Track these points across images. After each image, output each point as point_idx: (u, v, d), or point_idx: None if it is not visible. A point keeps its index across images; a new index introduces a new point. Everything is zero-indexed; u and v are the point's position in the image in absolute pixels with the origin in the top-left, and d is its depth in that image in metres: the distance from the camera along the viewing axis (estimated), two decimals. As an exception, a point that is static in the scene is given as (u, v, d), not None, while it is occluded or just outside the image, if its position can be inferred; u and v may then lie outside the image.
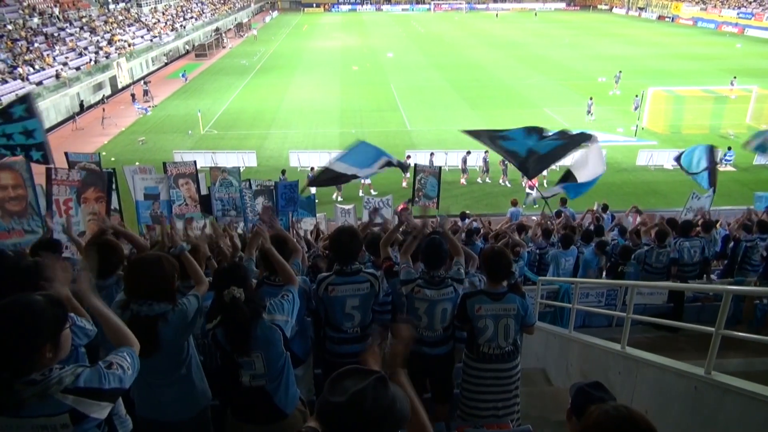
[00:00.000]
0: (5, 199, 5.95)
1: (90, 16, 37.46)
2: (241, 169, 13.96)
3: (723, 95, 26.36)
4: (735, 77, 26.73)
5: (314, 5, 77.46)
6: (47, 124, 17.04)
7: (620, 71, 28.88)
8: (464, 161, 17.52)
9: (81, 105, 26.91)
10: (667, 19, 61.66)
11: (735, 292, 3.94)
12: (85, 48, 31.88)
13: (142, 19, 43.39)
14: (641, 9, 68.49)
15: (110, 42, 34.60)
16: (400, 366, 1.65)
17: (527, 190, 15.98)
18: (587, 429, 1.63)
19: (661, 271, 6.73)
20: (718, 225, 8.30)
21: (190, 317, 2.58)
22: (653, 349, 4.15)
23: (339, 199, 15.91)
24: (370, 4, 79.08)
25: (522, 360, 3.49)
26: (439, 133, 22.26)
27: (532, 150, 8.82)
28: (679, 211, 10.47)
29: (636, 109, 22.74)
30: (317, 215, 12.01)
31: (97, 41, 33.70)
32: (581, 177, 8.61)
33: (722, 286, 4.15)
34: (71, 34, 32.53)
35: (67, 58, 28.96)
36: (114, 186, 9.06)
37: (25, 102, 7.36)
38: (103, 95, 29.25)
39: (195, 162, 9.88)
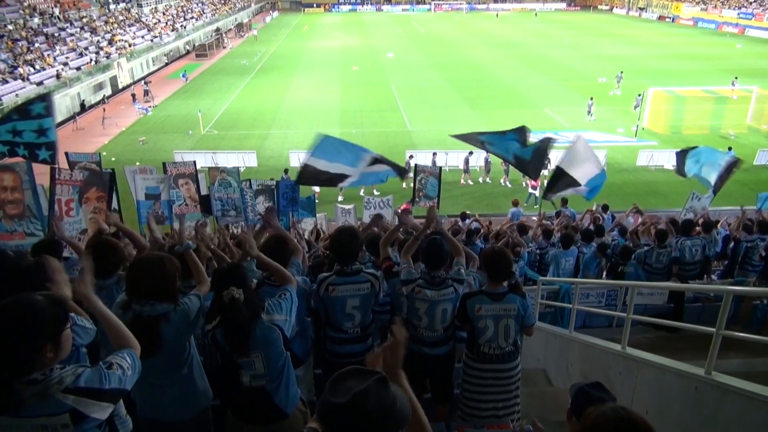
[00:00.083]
0: (5, 201, 5.95)
1: (90, 16, 37.49)
2: (242, 169, 13.99)
3: (723, 95, 26.36)
4: (736, 78, 26.71)
5: (314, 5, 77.48)
6: (48, 124, 16.87)
7: (622, 71, 28.88)
8: (466, 161, 17.52)
9: (82, 105, 26.93)
10: (667, 20, 61.65)
11: (736, 292, 3.94)
12: (86, 48, 31.90)
13: (143, 20, 43.42)
14: (642, 9, 68.48)
15: (111, 42, 34.62)
16: (399, 367, 1.65)
17: (530, 190, 15.99)
18: (585, 430, 1.64)
19: (661, 271, 6.73)
20: (718, 225, 8.29)
21: (192, 317, 2.59)
22: (653, 349, 4.15)
23: (340, 198, 15.92)
24: (371, 4, 79.10)
25: (522, 360, 3.49)
26: (439, 134, 22.23)
27: (517, 156, 8.86)
28: (679, 212, 10.48)
29: (637, 108, 22.72)
30: (317, 215, 12.02)
31: (98, 41, 33.72)
32: (578, 174, 8.53)
33: (723, 287, 4.15)
34: (72, 35, 32.56)
35: (67, 58, 28.98)
36: (114, 186, 9.07)
37: (45, 100, 7.30)
38: (104, 95, 29.27)
39: (194, 162, 9.88)
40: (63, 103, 25.25)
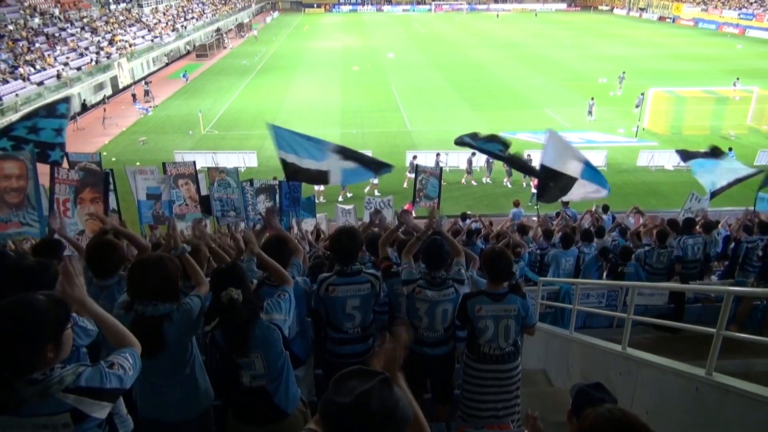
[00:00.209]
0: (6, 189, 5.96)
1: (91, 16, 37.51)
2: (242, 170, 13.99)
3: (724, 96, 26.35)
4: (738, 78, 26.68)
5: (315, 6, 77.49)
6: (48, 124, 16.90)
7: (624, 72, 28.89)
8: (469, 162, 17.50)
9: (84, 105, 26.94)
10: (667, 20, 61.65)
11: (736, 293, 3.94)
12: (86, 48, 31.91)
13: (143, 20, 43.43)
14: (642, 10, 68.47)
15: (111, 42, 34.63)
16: (397, 368, 1.65)
17: (533, 191, 15.97)
18: (584, 431, 1.64)
19: (661, 271, 6.74)
20: (719, 226, 8.29)
21: (194, 317, 2.59)
22: (654, 350, 4.15)
23: (340, 198, 15.97)
24: (371, 4, 79.11)
25: (523, 360, 3.49)
26: (439, 134, 22.24)
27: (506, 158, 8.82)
28: (678, 212, 10.47)
29: (638, 107, 22.70)
30: (318, 215, 12.03)
31: (98, 41, 33.73)
32: (570, 169, 8.37)
33: (723, 287, 4.15)
34: (72, 35, 32.57)
35: (68, 58, 28.99)
36: (112, 187, 9.08)
37: (68, 102, 7.60)
38: (104, 95, 29.29)
39: (194, 162, 9.89)
40: (63, 103, 25.24)
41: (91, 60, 30.40)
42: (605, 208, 10.93)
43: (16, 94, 22.74)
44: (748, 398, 3.05)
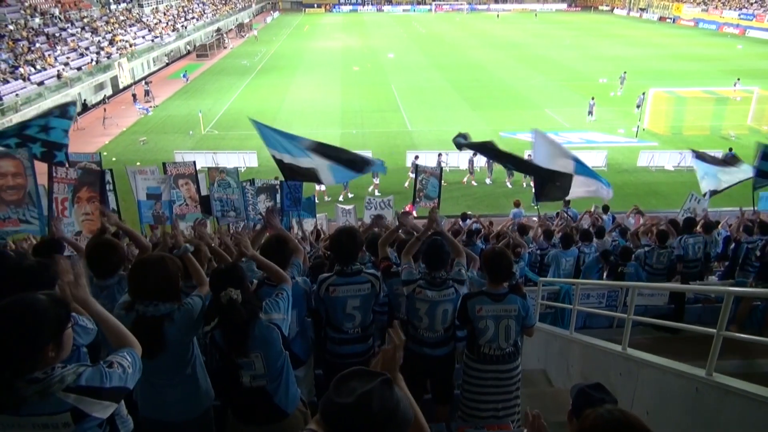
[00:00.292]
0: (2, 187, 5.97)
1: (91, 16, 37.52)
2: (242, 170, 14.00)
3: (724, 96, 26.34)
4: (738, 79, 26.67)
5: (315, 6, 77.51)
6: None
7: (625, 72, 28.89)
8: (471, 162, 17.49)
9: (84, 105, 26.95)
10: (668, 20, 61.64)
11: (737, 293, 3.94)
12: (87, 48, 31.92)
13: (144, 20, 43.45)
14: (642, 10, 68.46)
15: (111, 42, 34.64)
16: (396, 370, 1.65)
17: (534, 191, 15.93)
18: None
19: (661, 272, 6.74)
20: (719, 226, 8.29)
21: (196, 316, 2.60)
22: (654, 350, 4.14)
23: (341, 198, 16.01)
24: (371, 4, 79.12)
25: (523, 361, 3.49)
26: (440, 134, 22.23)
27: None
28: (678, 213, 10.47)
29: (639, 107, 22.68)
30: (318, 215, 12.03)
31: (99, 41, 33.74)
32: (560, 165, 8.30)
33: (724, 288, 4.15)
34: (73, 35, 32.58)
35: (68, 58, 29.00)
36: (111, 187, 9.09)
37: (74, 105, 7.90)
38: (105, 95, 29.30)
39: (194, 162, 9.91)
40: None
41: (92, 60, 30.41)
42: (605, 209, 10.93)
43: (16, 94, 22.74)
44: (749, 399, 3.05)
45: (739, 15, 54.12)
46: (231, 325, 2.44)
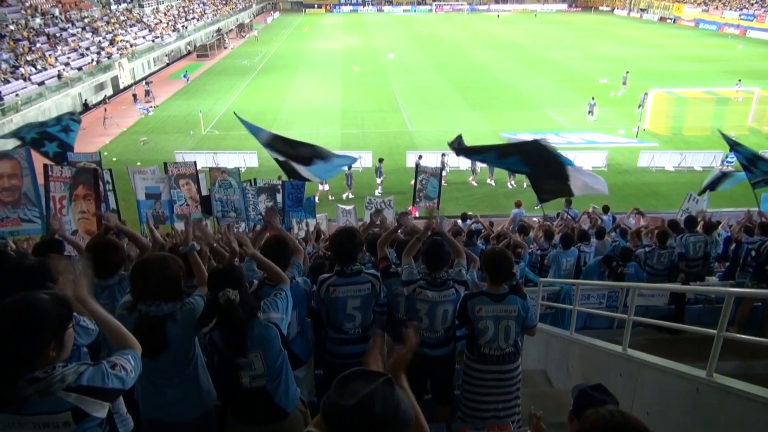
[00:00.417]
0: None
1: (92, 16, 37.53)
2: (243, 170, 14.01)
3: (725, 97, 26.34)
4: (740, 80, 26.66)
5: (316, 6, 77.52)
6: (49, 124, 16.96)
7: (627, 71, 28.88)
8: (473, 162, 17.45)
9: (85, 104, 26.96)
10: (668, 21, 61.63)
11: (737, 294, 3.94)
12: (87, 48, 31.93)
13: (144, 20, 43.46)
14: (643, 10, 68.44)
15: (112, 42, 34.66)
16: (402, 370, 1.65)
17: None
18: None
19: (662, 272, 6.74)
20: (719, 227, 8.29)
21: (198, 316, 2.60)
22: (654, 351, 4.14)
23: (343, 197, 16.06)
24: (372, 5, 79.10)
25: (523, 361, 3.49)
26: (440, 134, 22.23)
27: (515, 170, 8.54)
28: (677, 213, 10.47)
29: (641, 107, 22.67)
30: (318, 215, 12.04)
31: (99, 41, 33.76)
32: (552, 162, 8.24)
33: (724, 288, 4.14)
34: (73, 35, 32.59)
35: (69, 58, 29.01)
36: (111, 187, 9.11)
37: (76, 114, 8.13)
38: (105, 95, 29.30)
39: (195, 162, 9.91)
40: (64, 103, 25.29)
41: (92, 60, 30.42)
42: (605, 209, 10.94)
43: (17, 94, 22.76)
44: (749, 399, 3.04)
45: (739, 15, 54.11)
46: (229, 325, 2.44)
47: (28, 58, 26.40)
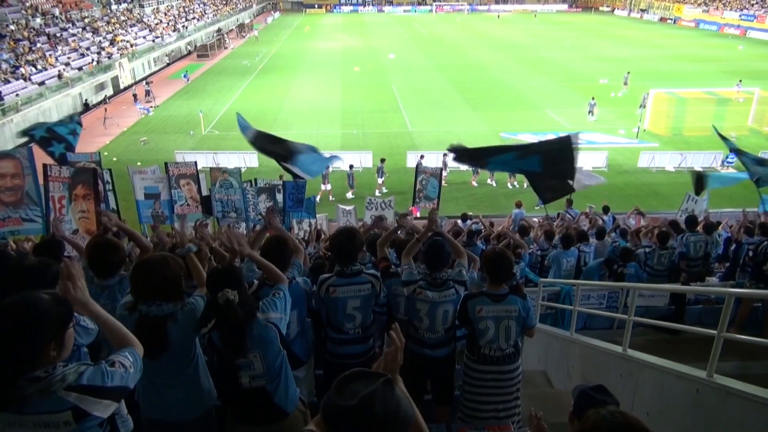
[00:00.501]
0: (1, 188, 6.00)
1: (92, 16, 37.55)
2: (243, 170, 14.02)
3: (725, 97, 26.33)
4: (741, 81, 26.64)
5: (316, 6, 77.53)
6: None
7: (628, 72, 28.88)
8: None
9: (85, 104, 26.97)
10: (669, 21, 61.63)
11: (738, 294, 3.94)
12: (88, 48, 31.94)
13: (144, 20, 43.48)
14: (643, 11, 68.45)
15: (112, 42, 34.67)
16: (397, 371, 1.65)
17: None
18: None
19: (662, 273, 6.74)
20: (720, 227, 8.29)
21: (198, 316, 2.60)
22: (655, 351, 4.14)
23: (349, 195, 16.09)
24: (372, 5, 79.12)
25: (523, 362, 3.49)
26: (440, 134, 22.25)
27: (527, 170, 8.39)
28: (676, 213, 10.47)
29: (643, 107, 22.66)
30: (318, 216, 12.04)
31: (100, 41, 33.77)
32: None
33: (725, 289, 4.14)
34: (74, 35, 32.60)
35: (69, 58, 29.02)
36: (111, 187, 9.12)
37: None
38: (105, 95, 29.31)
39: (196, 162, 9.92)
40: (65, 103, 25.30)
41: (93, 60, 30.43)
42: (605, 209, 10.93)
43: (17, 94, 22.76)
44: (749, 400, 3.04)
45: (740, 16, 54.11)
46: (228, 326, 2.44)
47: (29, 58, 26.41)
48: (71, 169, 6.95)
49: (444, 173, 15.19)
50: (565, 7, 77.33)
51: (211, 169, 10.17)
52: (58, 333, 1.79)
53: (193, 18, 52.54)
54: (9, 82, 23.41)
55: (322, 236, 9.33)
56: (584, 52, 41.53)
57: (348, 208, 12.49)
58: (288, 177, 10.14)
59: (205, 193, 9.76)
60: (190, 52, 44.45)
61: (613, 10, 74.88)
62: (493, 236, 8.04)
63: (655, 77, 30.64)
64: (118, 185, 10.08)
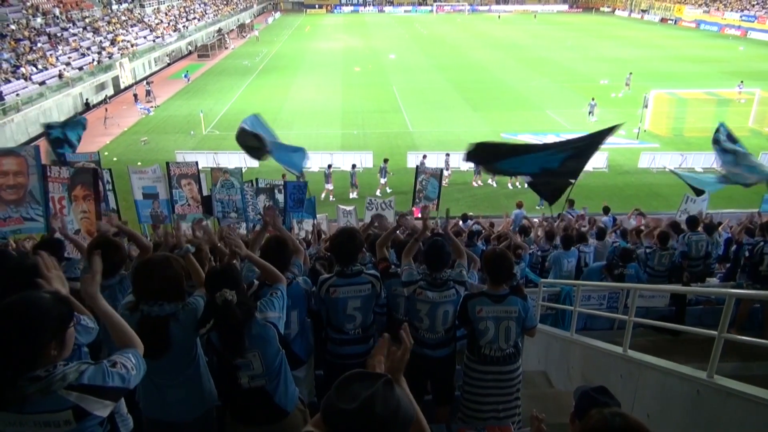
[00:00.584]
0: (3, 186, 5.98)
1: (93, 16, 37.57)
2: (244, 170, 14.04)
3: (726, 98, 26.31)
4: (742, 81, 26.62)
5: (317, 6, 77.55)
6: (50, 124, 16.99)
7: (630, 73, 28.87)
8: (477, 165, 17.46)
9: (86, 104, 26.98)
10: (669, 22, 61.61)
11: (738, 295, 3.94)
12: (88, 48, 31.96)
13: (145, 20, 43.50)
14: (644, 11, 68.43)
15: (113, 42, 34.69)
16: (402, 371, 1.65)
17: None
18: None
19: (662, 273, 6.73)
20: (720, 228, 8.29)
21: (199, 316, 2.60)
22: (655, 352, 4.14)
23: (352, 195, 16.10)
24: (373, 5, 79.14)
25: (523, 362, 3.48)
26: (441, 135, 22.27)
27: (545, 168, 8.26)
28: (675, 214, 10.47)
29: (645, 107, 22.65)
30: (318, 216, 12.04)
31: (100, 41, 33.79)
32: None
33: (725, 290, 4.14)
34: (74, 35, 32.62)
35: (70, 58, 29.04)
36: (111, 187, 9.12)
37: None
38: (106, 95, 29.33)
39: (197, 163, 9.92)
40: (65, 103, 25.32)
41: (93, 60, 30.45)
42: (606, 210, 10.93)
43: (17, 94, 22.78)
44: (750, 401, 3.04)
45: (740, 16, 54.10)
46: (226, 326, 2.44)
47: (29, 58, 26.43)
48: (71, 170, 6.95)
49: (446, 173, 15.22)
50: (565, 7, 77.33)
51: (212, 169, 10.18)
52: (58, 332, 1.79)
53: (194, 18, 52.57)
54: (10, 81, 23.42)
55: (323, 236, 9.33)
56: (585, 52, 41.52)
57: (348, 208, 12.50)
58: (291, 177, 10.17)
59: (205, 193, 9.77)
60: (190, 52, 44.48)
61: (613, 11, 74.87)
62: (494, 237, 8.04)
63: (656, 78, 30.63)
64: (118, 185, 10.09)
